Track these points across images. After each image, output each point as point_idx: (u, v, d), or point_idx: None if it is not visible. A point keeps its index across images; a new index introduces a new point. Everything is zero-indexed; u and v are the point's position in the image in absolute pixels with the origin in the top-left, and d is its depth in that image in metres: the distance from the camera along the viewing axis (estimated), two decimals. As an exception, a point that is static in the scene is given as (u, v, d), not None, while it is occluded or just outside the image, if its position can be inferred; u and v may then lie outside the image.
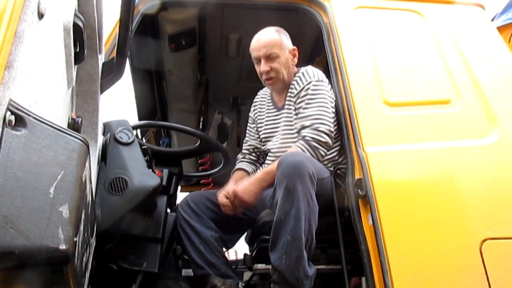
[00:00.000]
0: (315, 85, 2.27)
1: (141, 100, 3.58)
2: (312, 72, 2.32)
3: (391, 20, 2.46)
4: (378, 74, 2.22)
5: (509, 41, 2.80)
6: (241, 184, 2.20)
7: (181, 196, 2.71)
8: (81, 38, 1.18)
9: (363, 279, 1.91)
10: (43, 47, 0.92)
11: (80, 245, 0.86)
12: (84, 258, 1.00)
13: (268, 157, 2.43)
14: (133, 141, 1.83)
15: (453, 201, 1.93)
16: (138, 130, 3.03)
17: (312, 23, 2.54)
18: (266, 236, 2.00)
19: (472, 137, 2.06)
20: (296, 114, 2.31)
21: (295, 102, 2.32)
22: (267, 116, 2.51)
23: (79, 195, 0.82)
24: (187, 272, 2.35)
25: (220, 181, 3.95)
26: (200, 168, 4.10)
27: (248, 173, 2.47)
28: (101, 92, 1.59)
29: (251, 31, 2.60)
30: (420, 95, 2.20)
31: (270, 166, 2.25)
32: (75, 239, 0.79)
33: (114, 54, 1.68)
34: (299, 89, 2.30)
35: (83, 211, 0.88)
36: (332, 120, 2.22)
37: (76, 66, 1.26)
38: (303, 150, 2.14)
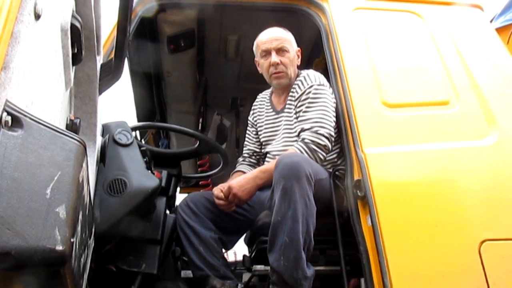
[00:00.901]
0: (316, 89, 2.27)
1: (140, 101, 3.58)
2: (314, 76, 2.33)
3: (389, 22, 2.46)
4: (377, 75, 2.23)
5: (508, 42, 2.80)
6: (237, 179, 2.20)
7: (180, 197, 2.71)
8: (79, 39, 1.18)
9: (362, 280, 1.91)
10: (40, 48, 0.92)
11: (77, 246, 0.86)
12: (82, 259, 1.00)
13: (267, 159, 2.44)
14: (132, 143, 1.83)
15: (452, 202, 1.92)
16: (137, 132, 3.03)
17: (311, 24, 2.55)
18: (265, 237, 1.99)
19: (471, 138, 2.06)
20: (296, 118, 2.31)
21: (296, 106, 2.32)
22: (266, 120, 2.51)
23: (76, 196, 0.81)
24: (186, 273, 2.34)
25: (219, 183, 3.94)
26: (199, 169, 4.11)
27: None
28: (100, 94, 1.59)
29: (250, 32, 2.61)
30: (418, 96, 2.20)
31: (267, 164, 2.26)
32: (72, 240, 0.79)
33: (112, 55, 1.67)
34: (300, 92, 2.30)
35: (81, 212, 0.88)
36: (332, 124, 2.22)
37: (74, 67, 1.26)
38: (302, 153, 2.14)
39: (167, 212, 2.23)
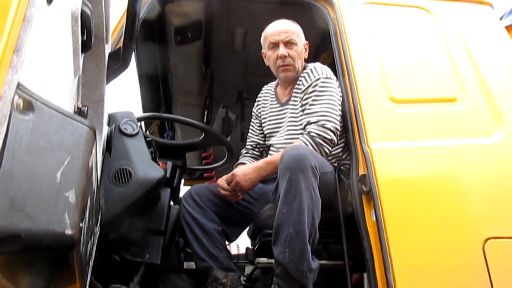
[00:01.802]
0: (323, 82, 2.26)
1: (146, 93, 3.58)
2: (320, 69, 2.32)
3: (398, 17, 2.45)
4: (384, 71, 2.22)
5: (517, 40, 2.78)
6: (241, 168, 2.21)
7: (184, 189, 2.72)
8: (89, 27, 1.18)
9: (365, 275, 1.91)
10: (51, 33, 0.92)
11: (85, 232, 0.86)
12: (89, 246, 1.00)
13: (270, 152, 2.43)
14: (137, 133, 1.83)
15: (457, 199, 1.92)
16: (143, 122, 3.03)
17: (319, 18, 2.53)
18: (269, 230, 2.00)
19: (477, 135, 2.05)
20: (302, 110, 2.30)
21: (302, 98, 2.31)
22: (271, 112, 2.50)
23: (85, 181, 0.82)
24: (189, 265, 2.35)
25: (223, 175, 3.95)
26: (203, 161, 4.10)
27: None
28: (107, 83, 1.59)
29: (257, 25, 2.60)
30: (426, 92, 2.19)
31: (272, 156, 2.26)
32: (81, 224, 0.79)
33: (120, 44, 1.67)
34: (306, 85, 2.29)
35: (89, 198, 0.88)
36: (338, 118, 2.21)
37: (83, 55, 1.26)
38: (308, 146, 2.13)
39: (171, 203, 2.24)
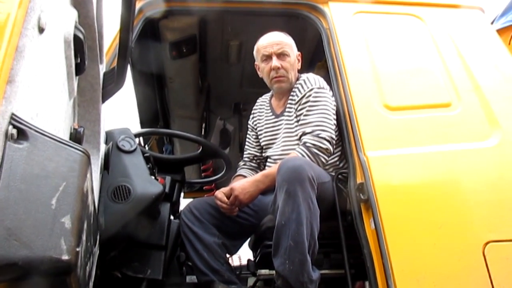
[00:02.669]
0: (316, 92, 2.28)
1: (143, 107, 3.60)
2: (313, 79, 2.33)
3: (390, 25, 2.47)
4: (379, 78, 2.23)
5: (509, 43, 2.80)
6: (240, 182, 2.22)
7: (184, 202, 2.73)
8: (82, 50, 1.19)
9: (367, 283, 1.91)
10: (44, 60, 0.93)
11: (83, 255, 0.87)
12: (87, 268, 1.01)
13: (268, 164, 2.44)
14: (135, 149, 1.84)
15: (455, 204, 1.93)
16: (141, 138, 3.05)
17: (312, 28, 2.56)
18: (269, 241, 2.00)
19: (473, 140, 2.06)
20: (297, 121, 2.32)
21: (296, 109, 2.33)
22: (266, 123, 2.52)
23: (80, 206, 0.83)
24: (191, 278, 2.35)
25: (222, 187, 3.95)
26: (202, 174, 4.11)
27: None
28: (103, 102, 1.60)
29: (251, 37, 2.62)
30: (420, 98, 2.20)
31: (269, 169, 2.27)
32: (77, 249, 0.80)
33: (115, 64, 1.69)
34: (300, 96, 2.31)
35: (85, 221, 0.89)
36: (333, 127, 2.23)
37: (77, 77, 1.28)
38: (304, 156, 2.14)
39: (171, 217, 2.24)
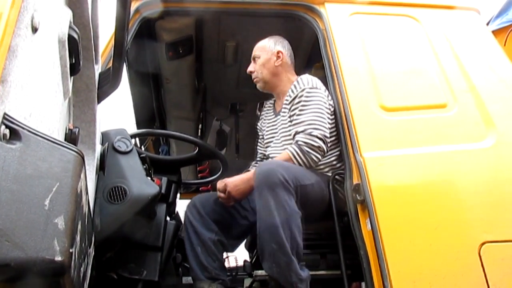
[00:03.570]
0: (308, 92, 2.30)
1: (140, 108, 3.59)
2: (306, 80, 2.35)
3: (386, 26, 2.47)
4: (375, 79, 2.23)
5: (505, 44, 2.81)
6: (234, 178, 2.25)
7: (180, 203, 2.72)
8: (77, 50, 1.18)
9: (363, 284, 1.91)
10: (37, 60, 0.93)
11: (76, 256, 0.87)
12: (82, 269, 1.00)
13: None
14: (131, 150, 1.84)
15: (452, 205, 1.93)
16: (137, 139, 3.04)
17: (309, 30, 2.56)
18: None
19: (469, 140, 2.07)
20: (291, 121, 2.34)
21: (289, 109, 2.36)
22: (268, 122, 2.58)
23: (74, 207, 0.82)
24: (188, 280, 2.35)
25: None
26: (199, 175, 4.11)
27: None
28: (99, 102, 1.60)
29: (248, 38, 2.62)
30: (416, 99, 2.20)
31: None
32: (71, 250, 0.79)
33: (110, 64, 1.68)
34: (293, 96, 2.33)
35: (79, 222, 0.89)
36: (327, 126, 2.24)
37: (72, 77, 1.27)
38: (294, 155, 2.16)
39: (168, 218, 2.24)
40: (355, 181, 1.97)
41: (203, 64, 3.48)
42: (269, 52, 2.50)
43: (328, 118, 2.26)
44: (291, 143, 2.31)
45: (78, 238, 0.87)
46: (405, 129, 2.09)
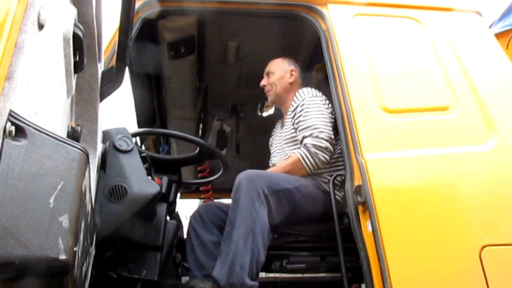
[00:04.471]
0: (309, 100, 2.47)
1: (141, 107, 3.59)
2: (307, 91, 2.53)
3: (389, 27, 2.47)
4: (377, 81, 2.23)
5: (507, 47, 2.81)
6: None
7: (180, 203, 2.72)
8: (81, 48, 1.18)
9: (363, 286, 1.90)
10: (43, 57, 0.92)
11: (80, 255, 0.86)
12: (84, 268, 1.00)
13: None
14: (132, 149, 1.83)
15: (453, 207, 1.92)
16: (138, 138, 3.03)
17: (311, 30, 2.56)
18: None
19: (470, 143, 2.06)
20: (295, 130, 2.48)
21: (293, 118, 2.50)
22: (275, 137, 2.77)
23: (78, 205, 0.82)
24: (187, 279, 2.34)
25: (219, 188, 3.95)
26: (199, 175, 4.10)
27: None
28: (101, 101, 1.59)
29: (249, 38, 2.62)
30: (418, 101, 2.20)
31: None
32: (75, 249, 0.79)
33: (113, 62, 1.68)
34: (295, 106, 2.50)
35: (83, 221, 0.88)
36: (330, 128, 2.36)
37: (75, 75, 1.27)
38: (303, 156, 2.28)
39: (168, 218, 2.23)
40: (356, 183, 1.97)
41: (205, 64, 3.48)
42: (284, 69, 2.74)
43: (330, 121, 2.39)
44: (290, 146, 2.44)
45: (81, 236, 0.86)
46: (407, 131, 2.09)
